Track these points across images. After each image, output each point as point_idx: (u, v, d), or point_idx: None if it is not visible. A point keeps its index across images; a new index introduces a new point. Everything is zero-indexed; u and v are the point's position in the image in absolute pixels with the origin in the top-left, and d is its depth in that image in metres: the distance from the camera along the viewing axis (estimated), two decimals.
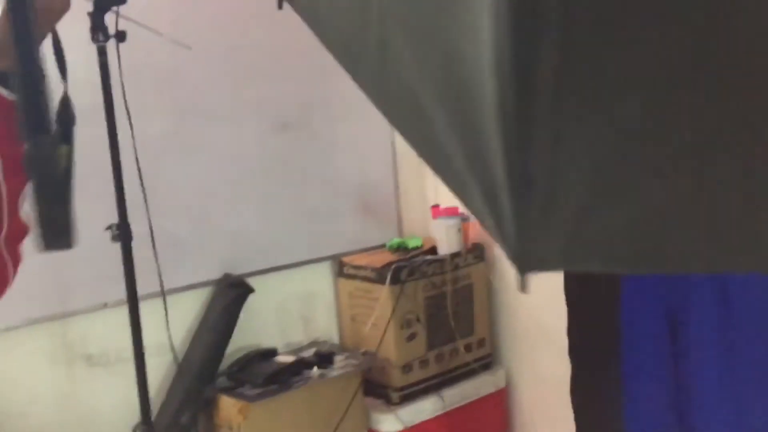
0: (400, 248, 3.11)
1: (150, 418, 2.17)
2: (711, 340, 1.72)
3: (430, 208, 3.18)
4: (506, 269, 3.10)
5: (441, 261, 2.99)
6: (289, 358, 2.74)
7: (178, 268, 2.56)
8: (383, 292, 2.86)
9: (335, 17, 1.08)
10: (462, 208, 3.07)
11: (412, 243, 3.13)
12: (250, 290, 2.75)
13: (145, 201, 2.16)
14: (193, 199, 2.69)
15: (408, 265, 2.91)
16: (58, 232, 0.95)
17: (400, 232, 3.31)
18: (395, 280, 2.85)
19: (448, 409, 2.96)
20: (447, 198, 3.10)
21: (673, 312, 1.79)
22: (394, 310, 2.83)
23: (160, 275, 2.23)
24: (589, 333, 1.98)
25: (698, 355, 1.76)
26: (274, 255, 2.91)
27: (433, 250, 3.09)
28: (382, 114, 1.01)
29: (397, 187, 3.30)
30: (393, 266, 2.87)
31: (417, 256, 3.02)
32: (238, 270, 2.78)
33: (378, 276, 2.89)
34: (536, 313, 3.02)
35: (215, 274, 2.75)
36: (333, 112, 3.05)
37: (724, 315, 1.68)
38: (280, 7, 1.34)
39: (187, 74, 2.62)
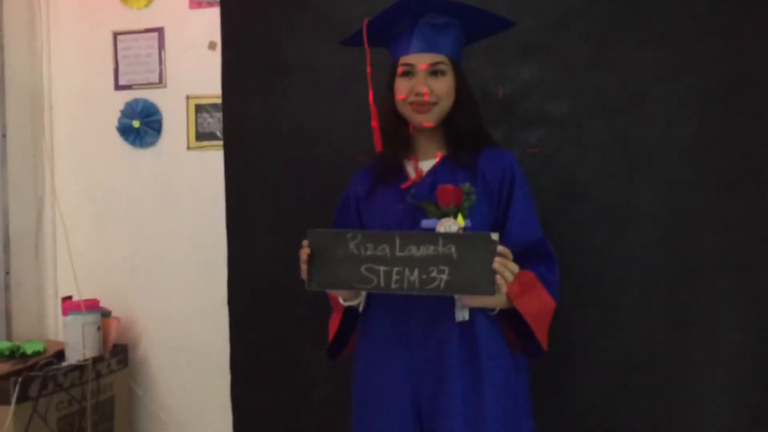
0: (14, 355, 2.34)
1: None
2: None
3: (61, 300, 2.50)
4: (154, 375, 2.60)
5: (81, 368, 2.33)
6: None
7: None
8: (7, 417, 2.08)
9: None
10: (103, 302, 2.51)
11: (30, 348, 2.39)
12: None
13: None
14: None
15: (41, 376, 2.19)
16: None
17: (10, 334, 2.51)
18: (23, 398, 2.11)
19: None
20: (84, 287, 2.49)
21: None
22: None
23: None
24: None
25: None
26: None
27: (59, 355, 2.41)
28: None
29: (6, 275, 2.52)
30: (18, 378, 2.12)
31: (44, 364, 2.30)
32: None
33: None
34: (188, 429, 2.58)
35: None
36: None
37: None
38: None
39: None
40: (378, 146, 1.71)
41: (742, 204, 2.02)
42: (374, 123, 1.72)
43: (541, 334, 1.62)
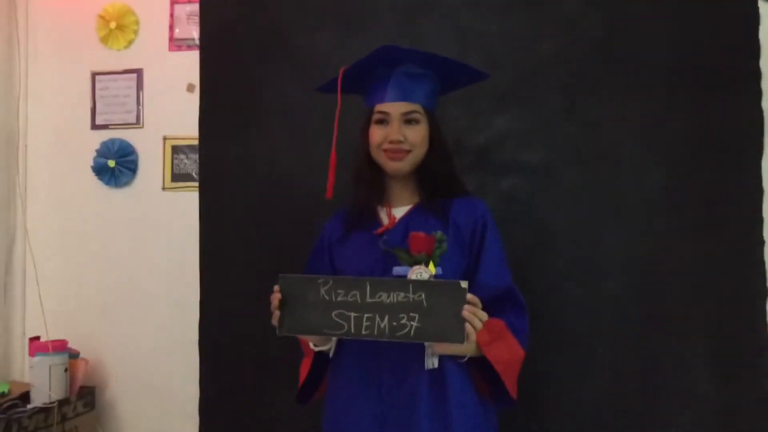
0: None
1: None
2: None
3: (28, 340, 2.45)
4: (121, 418, 2.55)
5: (47, 411, 2.28)
6: None
7: None
8: None
9: None
10: (71, 342, 2.46)
11: None
12: None
13: None
14: None
15: (4, 418, 2.14)
16: None
17: None
18: None
19: None
20: (52, 328, 2.46)
21: None
22: None
23: None
24: None
25: None
26: None
27: (24, 397, 2.36)
28: None
29: None
30: None
31: (8, 406, 2.25)
32: None
33: None
34: None
35: None
36: None
37: None
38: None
39: None
40: (329, 193, 1.74)
41: (708, 254, 2.05)
42: (331, 170, 1.74)
43: (511, 383, 1.62)
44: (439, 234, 1.57)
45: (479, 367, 1.63)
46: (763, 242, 2.04)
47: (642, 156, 2.10)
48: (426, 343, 1.58)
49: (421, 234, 1.57)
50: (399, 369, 1.62)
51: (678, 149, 2.08)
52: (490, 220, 1.71)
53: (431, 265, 1.56)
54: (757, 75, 2.07)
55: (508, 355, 1.62)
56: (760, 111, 2.06)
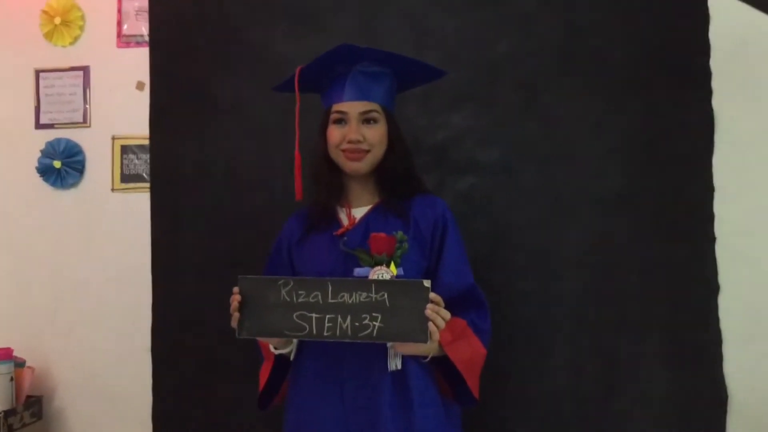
0: None
1: None
2: None
3: None
4: (70, 428, 2.46)
5: None
6: None
7: None
8: None
9: None
10: (17, 350, 2.37)
11: None
12: None
13: None
14: None
15: None
16: None
17: None
18: None
19: None
20: None
21: None
22: None
23: None
24: None
25: None
26: None
27: None
28: None
29: None
30: None
31: None
32: None
33: None
34: None
35: None
36: None
37: None
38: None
39: None
40: (298, 195, 1.71)
41: (662, 251, 2.09)
42: (297, 171, 1.72)
43: (473, 382, 1.62)
44: (399, 234, 1.55)
45: (441, 366, 1.63)
46: (714, 239, 2.08)
47: (598, 154, 2.12)
48: (389, 344, 1.57)
49: (382, 234, 1.55)
50: (361, 371, 1.60)
51: (633, 147, 2.11)
52: (450, 218, 1.70)
53: (392, 266, 1.54)
54: (708, 74, 2.11)
55: (470, 354, 1.61)
56: (710, 109, 2.10)
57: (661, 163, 2.10)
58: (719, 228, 2.09)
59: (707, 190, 2.09)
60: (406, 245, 1.56)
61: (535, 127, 2.14)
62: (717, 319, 2.06)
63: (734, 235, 2.08)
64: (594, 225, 2.11)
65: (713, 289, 2.07)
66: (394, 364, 1.58)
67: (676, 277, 2.08)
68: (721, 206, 2.09)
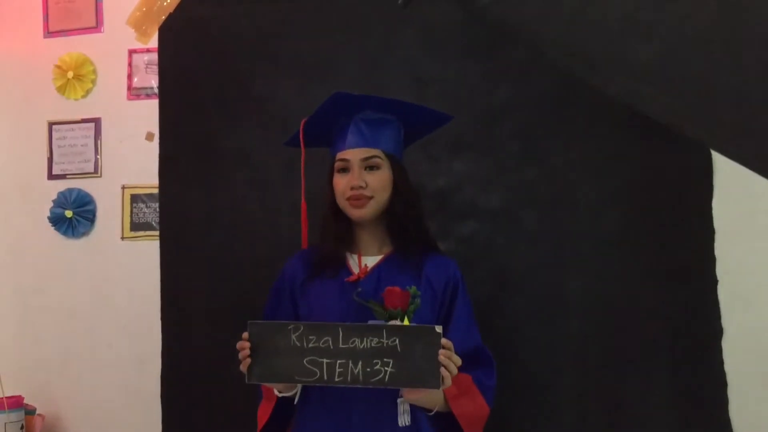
0: None
1: None
2: None
3: None
4: None
5: None
6: None
7: None
8: None
9: None
10: (27, 398, 2.40)
11: None
12: None
13: None
14: None
15: None
16: None
17: None
18: None
19: None
20: (8, 384, 2.38)
21: None
22: None
23: None
24: None
25: None
26: None
27: None
28: None
29: None
30: None
31: None
32: None
33: None
34: None
35: None
36: None
37: None
38: None
39: None
40: (304, 243, 1.73)
41: (665, 294, 2.09)
42: (303, 220, 1.74)
43: None
44: (413, 289, 1.57)
45: (443, 422, 1.63)
46: (716, 281, 2.09)
47: (598, 198, 2.14)
48: (399, 400, 1.58)
49: (397, 289, 1.56)
50: (371, 424, 1.60)
51: (632, 191, 2.13)
52: (461, 280, 1.73)
53: (406, 321, 1.55)
54: None
55: (473, 410, 1.62)
56: (709, 153, 2.13)
57: (661, 206, 2.12)
58: (721, 270, 2.10)
59: (708, 232, 2.10)
60: (418, 301, 1.57)
61: (535, 172, 2.17)
62: (721, 362, 2.06)
63: (736, 277, 2.09)
64: (595, 268, 2.12)
65: (717, 331, 2.08)
66: (404, 420, 1.59)
67: (680, 320, 2.08)
68: (722, 248, 2.10)
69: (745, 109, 0.74)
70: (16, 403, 2.36)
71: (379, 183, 1.69)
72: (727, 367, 2.07)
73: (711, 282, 2.09)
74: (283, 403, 1.72)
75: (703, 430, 2.05)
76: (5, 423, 2.31)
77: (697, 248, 2.10)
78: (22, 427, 2.35)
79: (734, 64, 0.69)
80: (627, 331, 2.10)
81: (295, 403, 1.71)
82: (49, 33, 2.61)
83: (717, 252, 2.10)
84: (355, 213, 1.70)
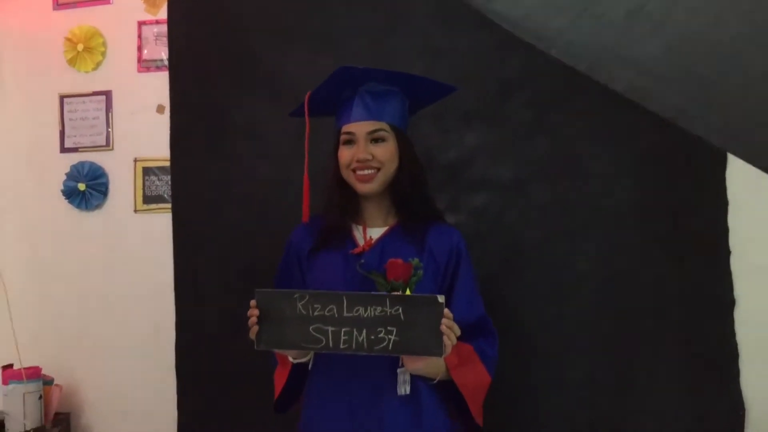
0: None
1: None
2: None
3: (1, 369, 2.42)
4: None
5: None
6: None
7: None
8: None
9: None
10: (45, 369, 2.43)
11: None
12: None
13: None
14: None
15: None
16: None
17: None
18: None
19: None
20: (26, 355, 2.42)
21: None
22: None
23: None
24: None
25: None
26: None
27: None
28: None
29: None
30: None
31: None
32: None
33: None
34: None
35: None
36: None
37: None
38: None
39: None
40: (305, 216, 1.74)
41: (678, 265, 2.09)
42: (305, 193, 1.74)
43: (476, 408, 1.65)
44: (416, 261, 1.58)
45: (446, 390, 1.65)
46: (729, 252, 2.08)
47: (610, 170, 2.13)
48: (399, 370, 1.60)
49: (399, 261, 1.57)
50: (372, 395, 1.62)
51: (645, 162, 2.12)
52: (464, 249, 1.73)
53: (407, 292, 1.56)
54: None
55: (474, 379, 1.64)
56: None
57: (675, 177, 2.10)
58: (734, 241, 2.09)
59: (721, 203, 2.09)
60: (420, 273, 1.58)
61: (547, 143, 2.16)
62: (733, 333, 2.06)
63: (749, 248, 2.08)
64: (607, 240, 2.12)
65: (729, 301, 2.07)
66: (404, 389, 1.60)
67: (692, 291, 2.08)
68: (735, 219, 2.09)
69: (752, 105, 0.73)
70: (34, 373, 2.40)
71: (385, 155, 1.69)
72: (739, 338, 2.07)
73: (724, 253, 2.08)
74: (298, 369, 1.74)
75: (715, 401, 2.06)
76: (24, 393, 2.35)
77: (710, 219, 2.09)
78: (40, 398, 2.39)
79: (742, 60, 0.69)
80: (638, 303, 2.10)
81: (309, 368, 1.74)
82: (58, 5, 2.59)
83: (730, 223, 2.09)
84: (362, 187, 1.70)
